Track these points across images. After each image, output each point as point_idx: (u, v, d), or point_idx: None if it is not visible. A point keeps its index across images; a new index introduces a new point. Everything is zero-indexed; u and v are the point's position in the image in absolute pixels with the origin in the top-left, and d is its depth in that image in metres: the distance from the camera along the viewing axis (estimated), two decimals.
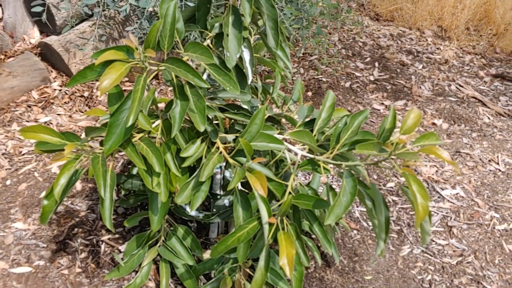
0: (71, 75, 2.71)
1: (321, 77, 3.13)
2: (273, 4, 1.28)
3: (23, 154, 2.24)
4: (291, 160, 1.42)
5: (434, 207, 2.20)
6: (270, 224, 1.17)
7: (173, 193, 1.35)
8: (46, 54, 2.73)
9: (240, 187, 1.45)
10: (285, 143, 1.36)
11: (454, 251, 1.98)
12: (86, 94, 2.68)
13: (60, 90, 2.66)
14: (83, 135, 1.45)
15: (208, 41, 1.33)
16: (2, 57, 2.65)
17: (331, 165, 1.39)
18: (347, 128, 1.30)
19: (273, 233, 1.17)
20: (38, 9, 2.61)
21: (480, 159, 2.53)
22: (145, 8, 2.51)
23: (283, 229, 1.18)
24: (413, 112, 1.16)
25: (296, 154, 1.37)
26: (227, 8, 1.26)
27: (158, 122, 1.33)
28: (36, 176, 2.10)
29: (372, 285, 1.78)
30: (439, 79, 3.31)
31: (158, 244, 1.62)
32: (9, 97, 2.50)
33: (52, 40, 2.68)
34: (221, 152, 1.28)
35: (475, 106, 3.02)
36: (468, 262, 1.93)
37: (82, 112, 2.57)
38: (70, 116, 2.53)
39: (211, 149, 1.29)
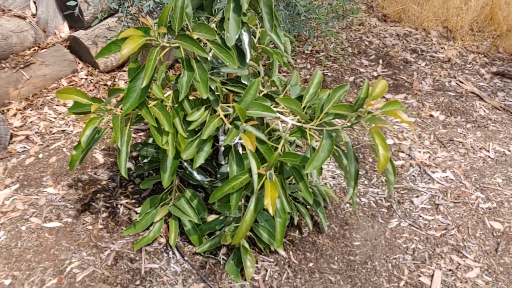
0: (96, 66, 2.99)
1: (326, 72, 3.35)
2: None
3: (53, 133, 2.52)
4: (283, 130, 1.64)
5: (424, 187, 2.39)
6: (260, 176, 1.39)
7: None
8: (75, 47, 3.02)
9: (241, 150, 1.68)
10: (278, 114, 1.59)
11: (439, 225, 2.16)
12: (109, 83, 2.95)
13: (86, 79, 2.94)
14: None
15: (213, 25, 1.57)
16: (36, 48, 2.95)
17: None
18: (329, 100, 1.51)
19: (262, 183, 1.40)
20: (72, 3, 2.91)
21: (471, 146, 2.70)
22: (163, 5, 2.78)
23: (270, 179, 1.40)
24: (381, 82, 1.38)
25: (287, 123, 1.59)
26: None
27: (170, 93, 1.57)
28: (64, 151, 2.37)
29: (359, 249, 1.98)
30: (440, 75, 3.48)
31: (169, 205, 1.85)
32: (42, 84, 2.79)
33: (80, 34, 2.97)
34: (221, 118, 1.51)
35: (472, 100, 3.19)
36: (451, 235, 2.11)
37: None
38: None
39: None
